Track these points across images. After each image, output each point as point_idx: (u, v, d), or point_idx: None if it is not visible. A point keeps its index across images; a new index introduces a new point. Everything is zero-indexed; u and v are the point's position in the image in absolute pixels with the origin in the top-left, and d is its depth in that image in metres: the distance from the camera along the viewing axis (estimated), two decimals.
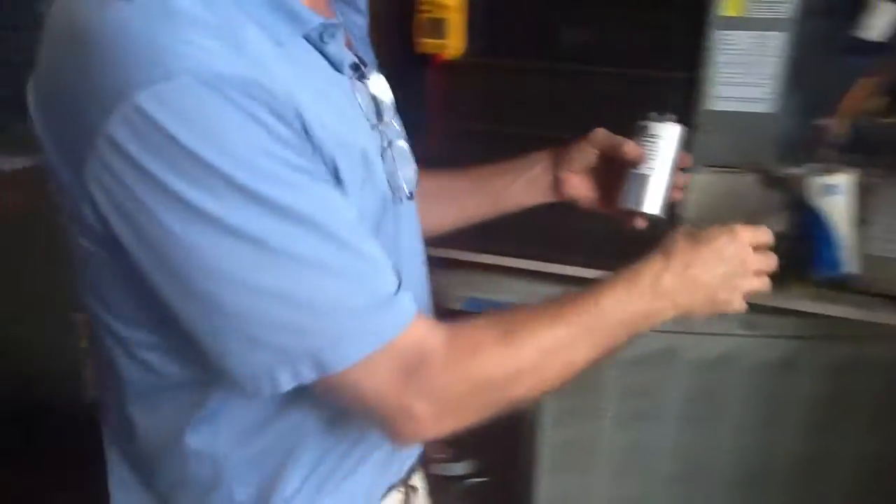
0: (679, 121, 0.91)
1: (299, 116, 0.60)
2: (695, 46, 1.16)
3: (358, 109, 0.71)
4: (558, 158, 0.98)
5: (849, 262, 1.05)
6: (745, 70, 1.15)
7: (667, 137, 0.91)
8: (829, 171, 1.01)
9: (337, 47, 0.69)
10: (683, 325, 1.11)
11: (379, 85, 0.75)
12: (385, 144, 0.74)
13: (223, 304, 0.60)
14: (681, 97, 1.19)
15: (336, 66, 0.69)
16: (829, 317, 1.21)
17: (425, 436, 0.68)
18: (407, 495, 0.89)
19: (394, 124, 0.77)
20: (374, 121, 0.73)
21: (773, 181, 1.13)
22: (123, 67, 0.55)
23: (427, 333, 0.66)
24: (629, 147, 0.92)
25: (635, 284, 0.75)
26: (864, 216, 1.21)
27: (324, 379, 0.63)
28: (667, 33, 1.20)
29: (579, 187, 0.99)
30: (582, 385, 1.38)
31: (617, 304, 0.73)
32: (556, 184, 0.99)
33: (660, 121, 0.91)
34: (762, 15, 1.12)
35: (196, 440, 0.73)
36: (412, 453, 0.90)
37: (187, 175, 0.56)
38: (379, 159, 0.72)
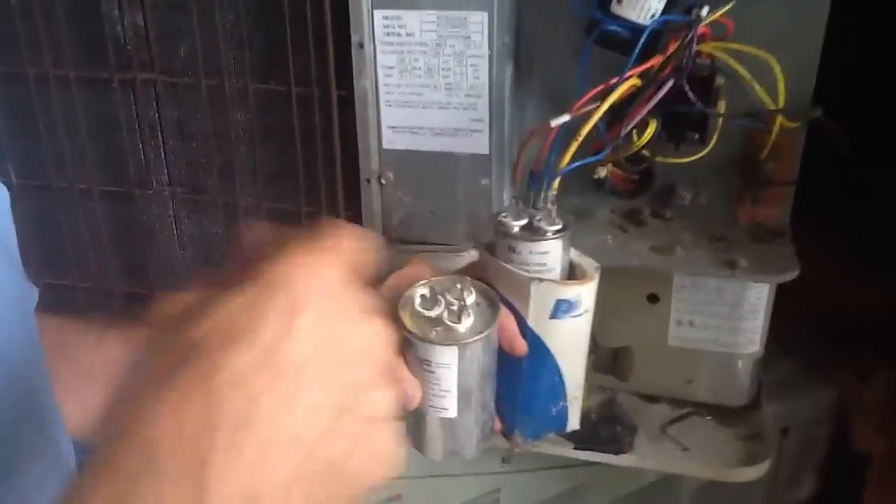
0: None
1: None
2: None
3: None
4: None
5: (573, 414, 0.57)
6: (433, 79, 0.64)
7: (444, 362, 0.49)
8: (565, 280, 0.53)
9: None
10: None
11: None
12: None
13: None
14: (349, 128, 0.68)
15: None
16: None
17: None
18: None
19: None
20: None
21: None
22: None
23: None
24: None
25: None
26: (654, 291, 0.77)
27: None
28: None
29: None
30: None
31: None
32: None
33: (429, 339, 0.47)
34: None
35: None
36: None
37: None
38: None
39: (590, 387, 0.58)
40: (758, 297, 0.74)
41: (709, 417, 0.79)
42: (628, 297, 0.77)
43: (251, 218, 0.75)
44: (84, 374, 0.61)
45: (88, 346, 0.61)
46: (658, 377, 0.80)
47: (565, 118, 0.54)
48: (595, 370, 0.78)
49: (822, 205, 0.84)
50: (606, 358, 0.79)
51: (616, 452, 0.71)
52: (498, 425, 0.57)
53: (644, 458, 0.74)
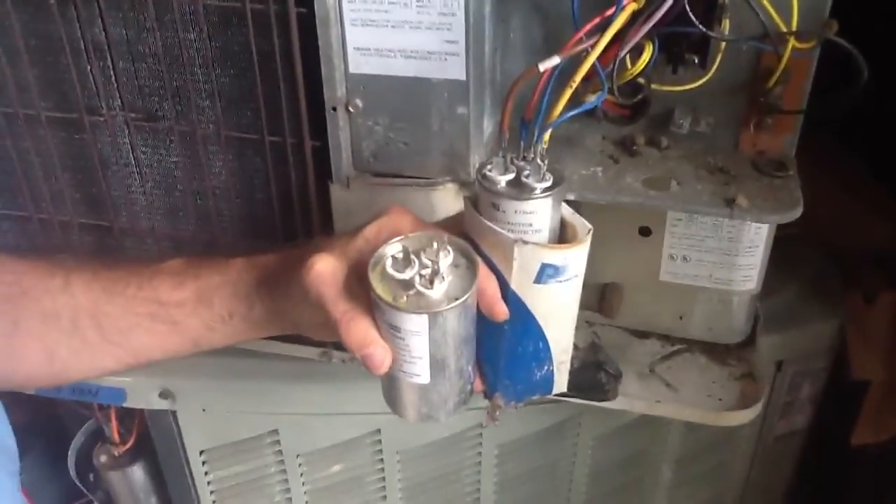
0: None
1: None
2: None
3: None
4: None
5: (560, 377, 0.53)
6: None
7: (413, 330, 0.45)
8: (552, 244, 0.48)
9: None
10: None
11: None
12: None
13: None
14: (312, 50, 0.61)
15: None
16: None
17: None
18: None
19: None
20: None
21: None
22: None
23: None
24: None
25: None
26: (646, 224, 0.72)
27: None
28: None
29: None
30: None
31: None
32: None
33: (396, 306, 0.44)
34: None
35: None
36: None
37: None
38: None
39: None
40: (757, 233, 0.69)
41: (700, 354, 0.76)
42: (619, 229, 0.72)
43: (211, 147, 0.69)
44: (49, 318, 0.56)
45: (53, 289, 0.56)
46: (648, 313, 0.76)
47: (556, 60, 0.47)
48: (580, 307, 0.74)
49: (829, 128, 0.78)
50: (593, 294, 0.75)
51: (599, 400, 0.68)
52: (479, 385, 0.53)
53: (631, 400, 0.71)
